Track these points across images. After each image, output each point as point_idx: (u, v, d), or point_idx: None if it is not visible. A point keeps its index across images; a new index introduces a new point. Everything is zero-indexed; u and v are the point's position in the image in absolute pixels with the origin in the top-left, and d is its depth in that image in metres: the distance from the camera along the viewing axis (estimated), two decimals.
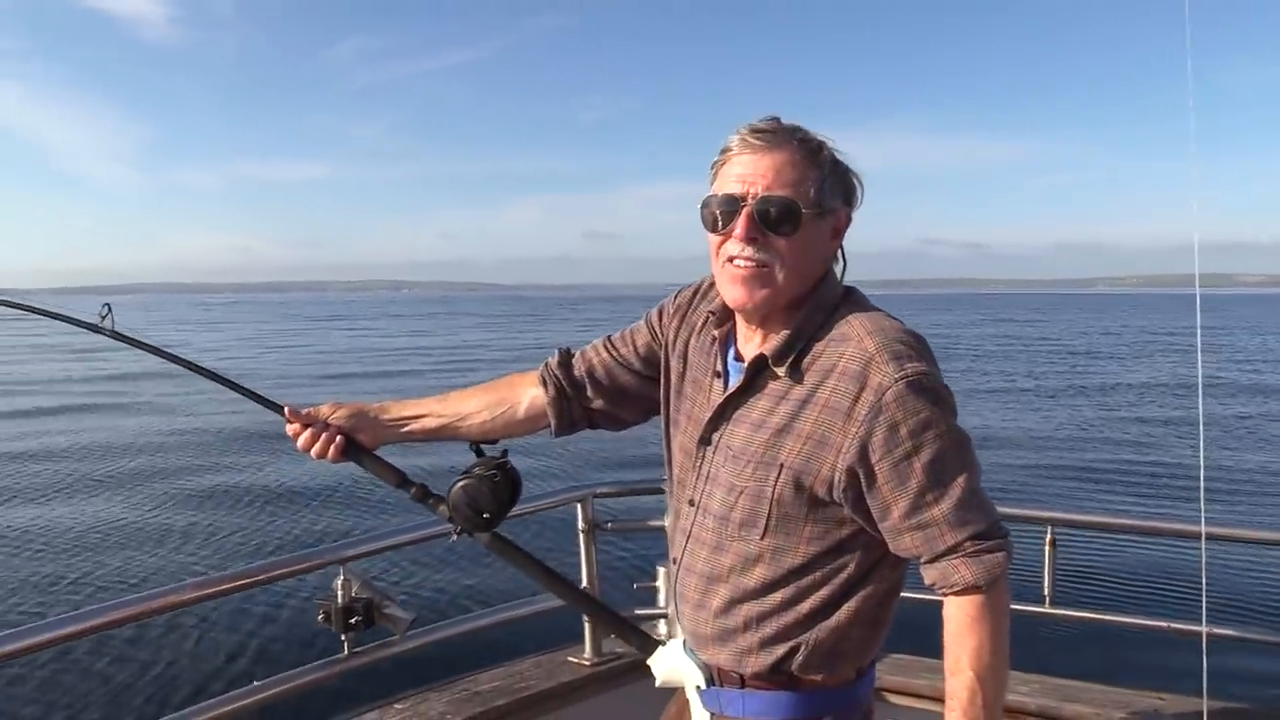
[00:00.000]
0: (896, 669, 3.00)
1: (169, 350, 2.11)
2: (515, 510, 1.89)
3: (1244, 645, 2.96)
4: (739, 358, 1.64)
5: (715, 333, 1.69)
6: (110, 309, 2.06)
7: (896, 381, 1.43)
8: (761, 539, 1.55)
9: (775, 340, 1.56)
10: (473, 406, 1.94)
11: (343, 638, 2.55)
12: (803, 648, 1.56)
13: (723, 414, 1.62)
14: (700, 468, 1.67)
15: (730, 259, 1.55)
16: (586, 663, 3.10)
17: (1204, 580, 2.11)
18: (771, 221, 1.51)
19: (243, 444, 15.78)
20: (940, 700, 1.50)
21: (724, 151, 1.57)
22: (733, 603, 1.59)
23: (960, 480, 1.45)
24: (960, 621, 1.47)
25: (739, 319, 1.65)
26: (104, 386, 25.32)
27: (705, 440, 1.66)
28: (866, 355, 1.46)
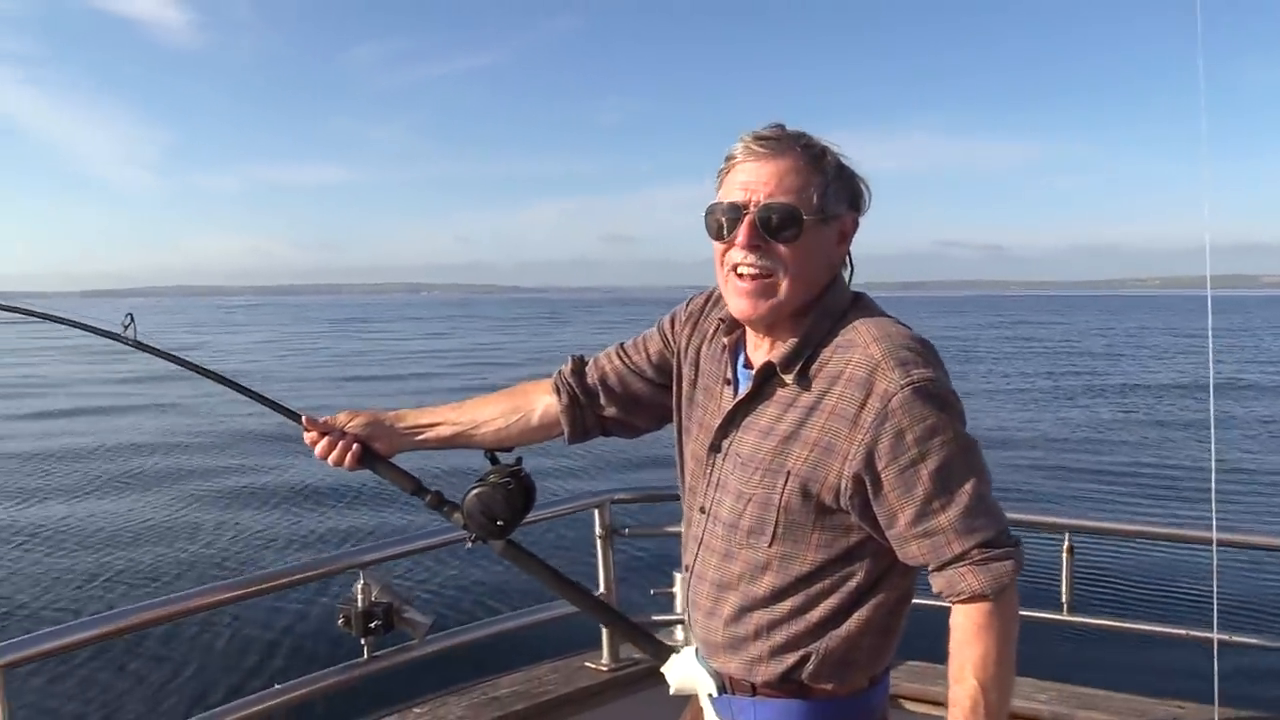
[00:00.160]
0: (913, 675, 3.00)
1: (189, 359, 2.14)
2: (533, 516, 1.90)
3: (1257, 651, 2.92)
4: (749, 365, 1.64)
5: (725, 340, 1.70)
6: (133, 318, 2.09)
7: (903, 388, 1.42)
8: (769, 546, 1.55)
9: (782, 348, 1.56)
10: (487, 414, 1.95)
11: (362, 642, 2.57)
12: (813, 656, 1.55)
13: (732, 421, 1.63)
14: (710, 475, 1.67)
15: (734, 266, 1.56)
16: (604, 668, 3.11)
17: (1215, 587, 2.11)
18: (774, 228, 1.51)
19: (266, 445, 15.92)
20: None
21: (728, 159, 1.58)
22: (743, 610, 1.60)
23: (967, 487, 1.44)
24: (966, 629, 1.46)
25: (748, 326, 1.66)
26: (129, 389, 25.54)
27: (715, 447, 1.66)
28: (873, 362, 1.46)
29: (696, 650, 1.73)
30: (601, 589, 3.12)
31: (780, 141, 1.54)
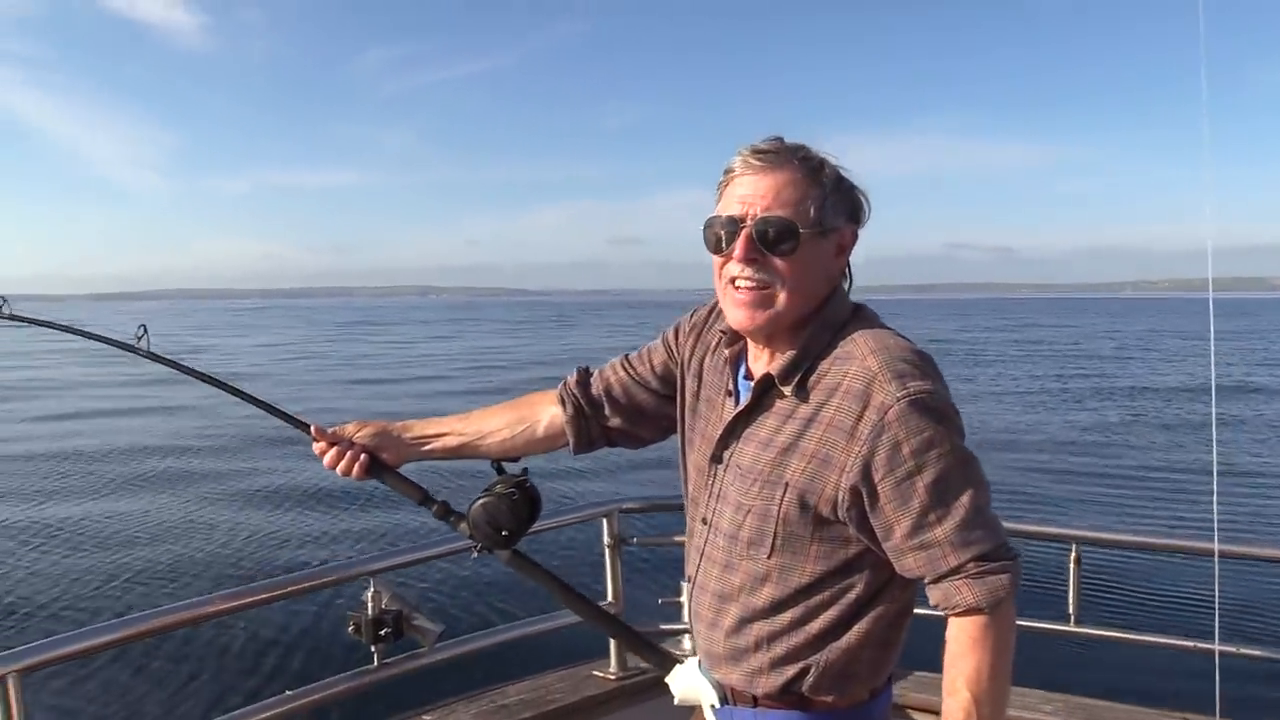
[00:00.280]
0: (920, 686, 2.99)
1: (199, 369, 2.17)
2: (542, 525, 1.91)
3: (1260, 662, 2.90)
4: (749, 376, 1.65)
5: (727, 352, 1.70)
6: (146, 330, 2.12)
7: (899, 400, 1.42)
8: (769, 558, 1.56)
9: (781, 359, 1.56)
10: (493, 425, 1.96)
11: (372, 649, 2.58)
12: (813, 668, 1.56)
13: (732, 432, 1.64)
14: (712, 486, 1.68)
15: (732, 280, 1.57)
16: (612, 677, 3.11)
17: (1217, 598, 2.12)
18: (770, 241, 1.52)
19: (279, 448, 15.98)
20: None
21: (727, 172, 1.59)
22: (743, 622, 1.60)
23: (964, 500, 1.43)
24: (961, 642, 1.46)
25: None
26: (141, 390, 25.62)
27: (717, 458, 1.67)
28: (869, 374, 1.46)
29: (699, 661, 1.73)
30: (610, 598, 3.13)
31: (778, 154, 1.54)
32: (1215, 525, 2.34)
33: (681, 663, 1.79)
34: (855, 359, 1.50)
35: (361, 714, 3.01)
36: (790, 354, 1.56)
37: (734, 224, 1.54)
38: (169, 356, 2.15)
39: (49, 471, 14.67)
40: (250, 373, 33.38)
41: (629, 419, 1.92)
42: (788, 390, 1.55)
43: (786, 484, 1.52)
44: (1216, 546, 2.34)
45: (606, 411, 1.92)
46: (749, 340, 1.66)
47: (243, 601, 2.47)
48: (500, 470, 1.93)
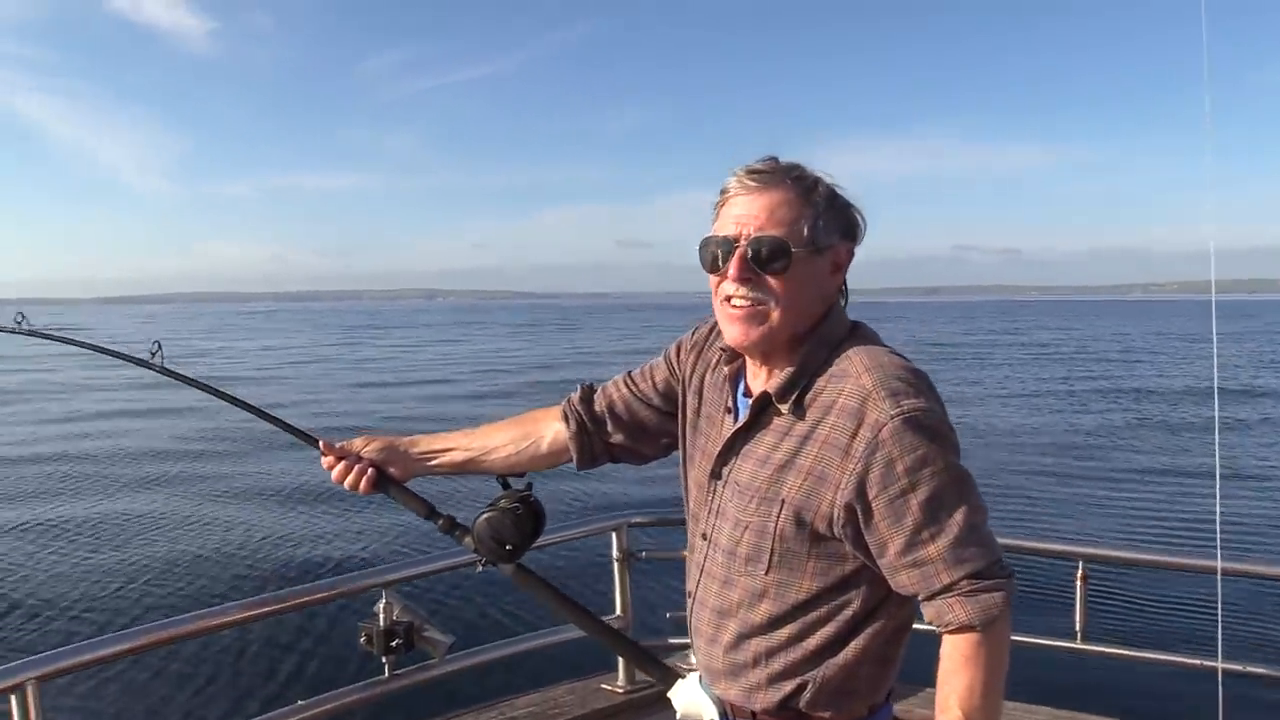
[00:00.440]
0: (928, 703, 3.01)
1: (211, 384, 2.22)
2: (551, 538, 1.92)
3: (1263, 680, 2.87)
4: (748, 393, 1.67)
5: (727, 369, 1.73)
6: (160, 346, 2.17)
7: (893, 418, 1.43)
8: (766, 574, 1.57)
9: (779, 377, 1.58)
10: (498, 440, 2.00)
11: (384, 660, 2.60)
12: (811, 684, 1.57)
13: (731, 449, 1.65)
14: (711, 502, 1.70)
15: (727, 298, 1.59)
16: (620, 690, 3.12)
17: (1220, 616, 2.13)
18: (763, 260, 1.53)
19: (290, 450, 16.04)
20: None
21: (723, 193, 1.61)
22: (741, 638, 1.62)
23: (958, 518, 1.44)
24: (954, 660, 1.47)
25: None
26: (152, 394, 25.69)
27: (716, 475, 1.69)
28: (864, 392, 1.47)
29: (700, 676, 1.74)
30: (618, 611, 3.14)
31: (772, 174, 1.56)
32: (1219, 543, 2.33)
33: (684, 677, 1.80)
34: (850, 377, 1.51)
35: None
36: (787, 372, 1.58)
37: (729, 244, 1.56)
38: (181, 372, 2.20)
39: (64, 474, 14.77)
40: (258, 377, 33.44)
41: (631, 435, 1.95)
42: (785, 408, 1.57)
43: (783, 501, 1.54)
44: (1219, 564, 2.35)
45: (609, 428, 1.94)
46: (747, 358, 1.68)
47: (258, 612, 2.49)
48: (506, 485, 1.96)
